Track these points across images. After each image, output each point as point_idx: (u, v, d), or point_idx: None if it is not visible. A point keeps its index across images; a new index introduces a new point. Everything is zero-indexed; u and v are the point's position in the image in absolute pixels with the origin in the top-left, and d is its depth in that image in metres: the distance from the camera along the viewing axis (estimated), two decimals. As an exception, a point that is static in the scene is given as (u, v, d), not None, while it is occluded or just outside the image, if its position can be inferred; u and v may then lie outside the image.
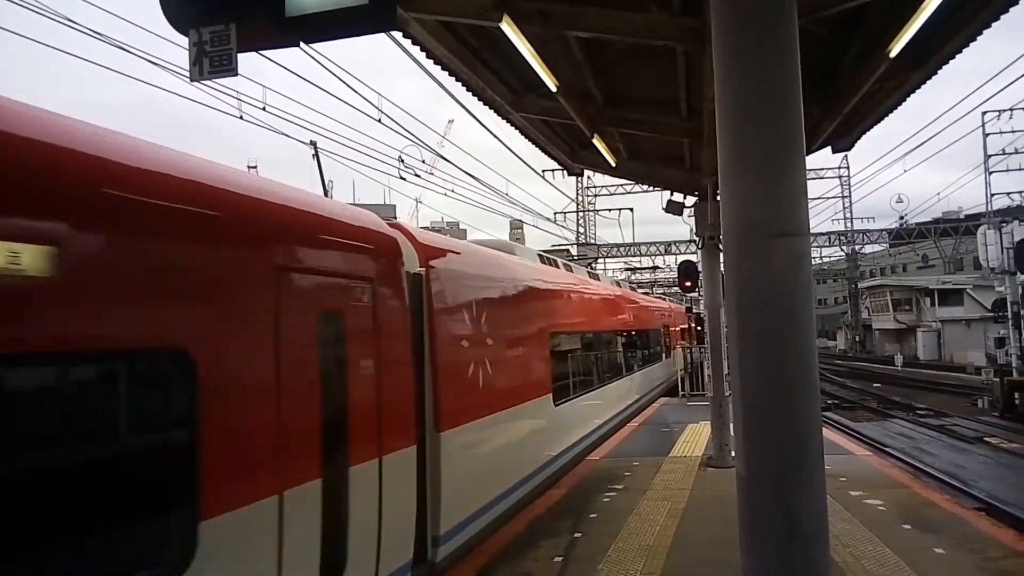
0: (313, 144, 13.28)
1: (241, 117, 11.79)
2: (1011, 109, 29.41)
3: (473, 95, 7.26)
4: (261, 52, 4.10)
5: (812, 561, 2.45)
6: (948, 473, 14.02)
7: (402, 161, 15.03)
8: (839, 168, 47.97)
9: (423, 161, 16.20)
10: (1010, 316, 22.23)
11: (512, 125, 8.26)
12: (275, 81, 12.19)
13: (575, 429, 10.56)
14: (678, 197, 10.40)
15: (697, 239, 10.17)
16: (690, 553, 6.25)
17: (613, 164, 8.96)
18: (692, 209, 9.89)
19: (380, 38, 6.54)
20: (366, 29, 2.81)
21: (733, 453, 10.18)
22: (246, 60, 3.20)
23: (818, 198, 45.48)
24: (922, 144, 40.24)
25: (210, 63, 2.90)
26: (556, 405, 9.39)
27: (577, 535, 7.03)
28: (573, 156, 9.79)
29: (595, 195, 48.53)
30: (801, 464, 2.45)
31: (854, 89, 6.40)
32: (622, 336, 15.98)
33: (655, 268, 43.81)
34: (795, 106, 2.52)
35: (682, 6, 4.98)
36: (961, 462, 15.48)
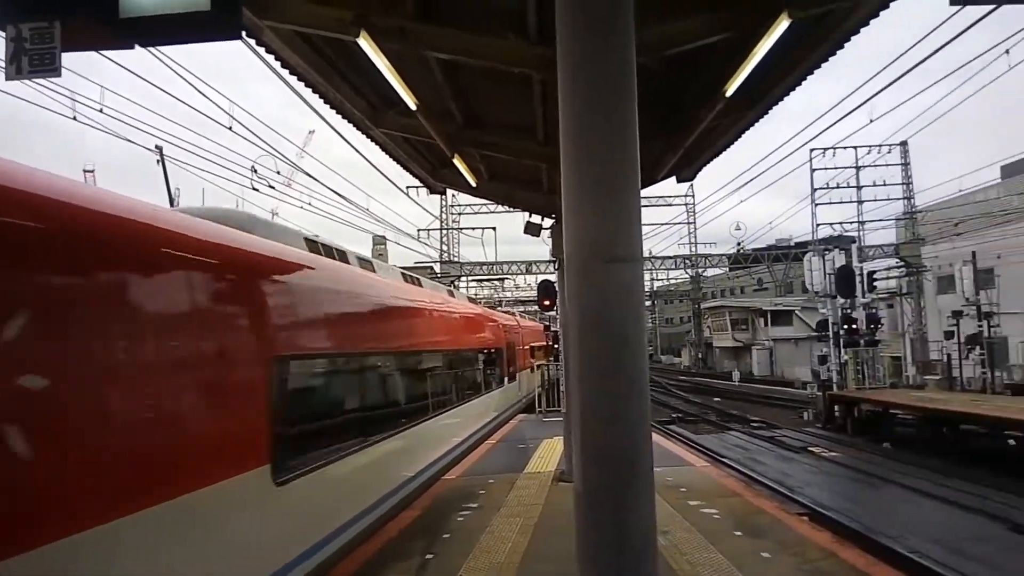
0: (159, 149, 12.49)
1: (75, 118, 10.88)
2: (834, 147, 32.75)
3: (331, 108, 7.13)
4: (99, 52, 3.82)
5: (641, 574, 2.59)
6: (777, 481, 15.20)
7: (255, 171, 14.41)
8: (686, 196, 51.19)
9: (278, 172, 15.62)
10: (831, 336, 24.54)
11: (372, 140, 8.18)
12: (115, 81, 11.38)
13: (320, 520, 6.23)
14: (536, 219, 10.72)
15: (554, 260, 10.48)
16: (539, 568, 6.38)
17: (474, 184, 9.08)
18: (550, 231, 10.20)
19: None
20: (208, 36, 2.68)
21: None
22: (80, 56, 2.97)
23: (666, 224, 48.27)
24: (759, 176, 44.12)
25: (30, 61, 2.66)
26: (280, 483, 5.31)
27: (429, 556, 6.98)
28: (435, 174, 9.83)
29: (459, 213, 48.85)
30: (632, 481, 2.58)
31: (694, 125, 6.89)
32: (426, 359, 10.99)
33: (503, 279, 43.36)
34: (631, 139, 2.68)
35: (538, 35, 5.16)
36: (788, 471, 16.85)
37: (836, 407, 23.31)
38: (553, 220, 10.05)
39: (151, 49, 7.45)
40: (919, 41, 11.53)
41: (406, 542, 7.48)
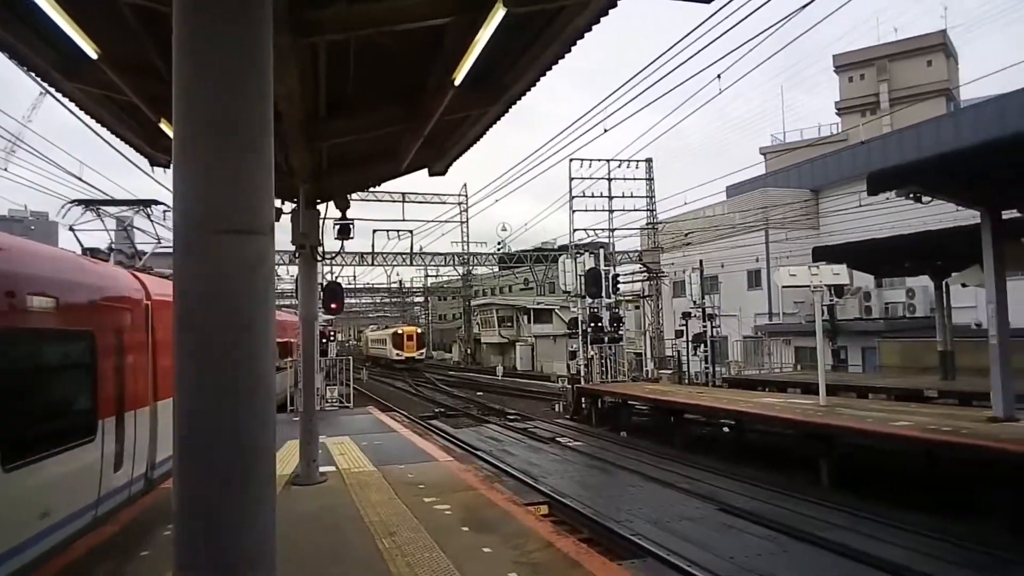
0: None
1: None
2: (591, 160, 34.92)
3: (6, 55, 5.89)
4: None
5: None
6: (523, 471, 15.77)
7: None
8: (459, 196, 51.98)
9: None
10: (580, 333, 26.17)
11: (67, 97, 6.95)
12: None
13: None
14: (277, 203, 9.90)
15: (294, 248, 9.63)
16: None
17: None
18: (291, 215, 9.45)
19: None
20: None
21: (321, 469, 10.00)
22: None
23: (433, 221, 48.35)
24: (521, 178, 46.33)
25: None
26: None
27: (115, 580, 6.04)
28: (156, 143, 8.62)
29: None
30: (248, 489, 2.19)
31: (432, 111, 6.69)
32: None
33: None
34: (259, 96, 2.28)
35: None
36: (535, 460, 17.58)
37: (583, 399, 24.89)
38: (295, 204, 9.32)
39: None
40: (646, 67, 12.49)
41: (92, 563, 6.44)
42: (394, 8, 4.90)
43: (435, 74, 6.42)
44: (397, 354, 58.82)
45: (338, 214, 10.63)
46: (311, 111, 6.77)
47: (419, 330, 63.05)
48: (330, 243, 10.73)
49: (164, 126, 6.84)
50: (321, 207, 10.05)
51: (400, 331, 60.82)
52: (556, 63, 6.53)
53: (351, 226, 10.42)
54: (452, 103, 7.02)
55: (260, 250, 2.18)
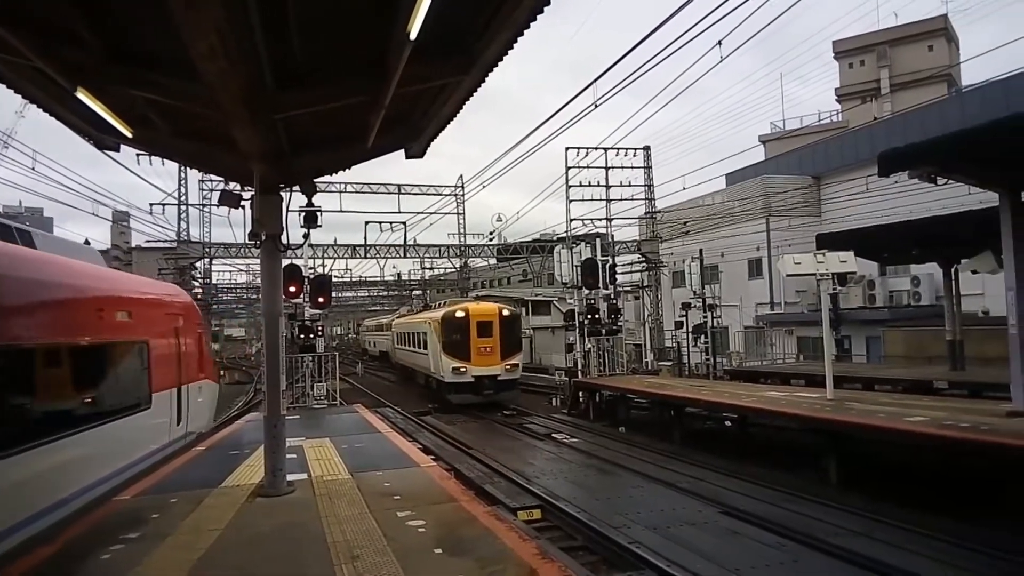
0: None
1: None
2: (587, 148, 33.93)
3: None
4: None
5: None
6: (517, 471, 15.02)
7: None
8: (455, 187, 50.95)
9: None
10: (577, 325, 25.35)
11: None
12: None
13: None
14: (235, 187, 9.07)
15: (256, 239, 8.59)
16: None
17: (129, 135, 7.18)
18: (250, 203, 8.57)
19: None
20: None
21: (291, 478, 9.21)
22: None
23: (424, 213, 47.39)
24: (516, 167, 45.37)
25: None
26: None
27: (32, 616, 5.27)
28: (99, 124, 7.72)
29: (210, 189, 44.15)
30: None
31: (390, 76, 5.86)
32: None
33: None
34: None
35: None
36: (530, 459, 16.85)
37: (581, 393, 24.14)
38: (253, 191, 8.43)
39: None
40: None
41: None
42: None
43: (394, 34, 5.59)
44: (458, 368, 26.36)
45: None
46: (253, 79, 5.92)
47: (508, 311, 27.84)
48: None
49: (86, 97, 5.94)
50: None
51: (461, 312, 26.99)
52: (533, 19, 5.71)
53: (319, 213, 9.58)
54: (418, 70, 6.23)
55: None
